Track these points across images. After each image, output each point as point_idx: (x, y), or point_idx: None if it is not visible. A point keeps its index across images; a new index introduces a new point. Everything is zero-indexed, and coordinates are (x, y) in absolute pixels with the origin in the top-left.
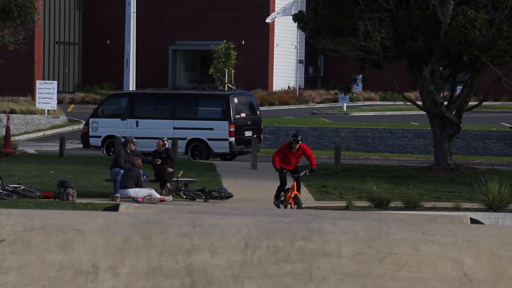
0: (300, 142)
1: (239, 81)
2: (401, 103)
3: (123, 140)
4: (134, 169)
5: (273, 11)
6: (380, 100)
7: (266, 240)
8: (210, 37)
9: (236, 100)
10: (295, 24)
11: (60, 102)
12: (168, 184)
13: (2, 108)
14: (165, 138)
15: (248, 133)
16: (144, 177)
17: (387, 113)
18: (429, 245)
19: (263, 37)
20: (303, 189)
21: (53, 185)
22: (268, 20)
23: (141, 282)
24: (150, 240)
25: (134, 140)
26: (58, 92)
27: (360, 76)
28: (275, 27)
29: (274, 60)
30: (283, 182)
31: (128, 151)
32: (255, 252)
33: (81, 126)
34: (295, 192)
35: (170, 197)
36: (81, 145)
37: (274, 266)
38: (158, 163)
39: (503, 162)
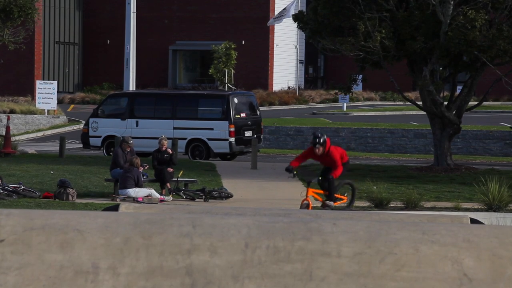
0: (321, 145)
1: (239, 81)
2: (401, 103)
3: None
4: (133, 169)
5: (273, 11)
6: (380, 100)
7: (266, 240)
8: (210, 37)
9: (236, 100)
10: (295, 24)
11: (60, 102)
12: (168, 184)
13: (2, 108)
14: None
15: (248, 133)
16: (144, 177)
17: (387, 113)
18: (429, 245)
19: (263, 37)
20: (303, 189)
21: (53, 185)
22: (269, 23)
23: (141, 282)
24: (150, 240)
25: (130, 141)
26: (58, 92)
27: (360, 76)
28: (275, 27)
29: (274, 60)
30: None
31: (125, 151)
32: (255, 252)
33: (81, 126)
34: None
35: (170, 197)
36: (81, 145)
37: (274, 266)
38: (146, 167)
39: (503, 162)
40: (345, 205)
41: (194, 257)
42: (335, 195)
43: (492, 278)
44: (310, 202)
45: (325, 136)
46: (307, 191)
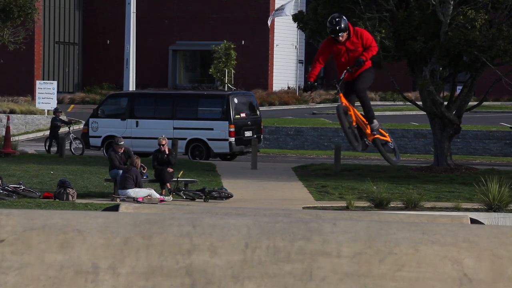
0: (344, 31)
1: (239, 81)
2: (401, 103)
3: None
4: (132, 169)
5: (273, 11)
6: (380, 100)
7: (266, 240)
8: (210, 37)
9: (236, 100)
10: (295, 24)
11: (60, 102)
12: (168, 184)
13: (2, 108)
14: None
15: (248, 133)
16: (145, 177)
17: (387, 113)
18: (429, 245)
19: (263, 37)
20: (303, 189)
21: (53, 185)
22: (269, 21)
23: (141, 282)
24: (150, 240)
25: (121, 142)
26: (58, 92)
27: None
28: (275, 27)
29: (274, 60)
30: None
31: (119, 153)
32: (255, 252)
33: (81, 126)
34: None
35: (170, 197)
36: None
37: (274, 266)
38: (145, 171)
39: (503, 162)
40: (391, 146)
41: (194, 257)
42: (380, 130)
43: (492, 278)
44: (350, 106)
45: (344, 17)
46: (340, 97)
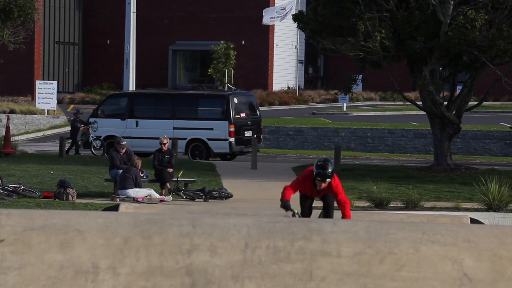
0: (330, 178)
1: (239, 81)
2: (401, 103)
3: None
4: (132, 169)
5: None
6: (380, 100)
7: (266, 240)
8: (210, 37)
9: (236, 100)
10: (295, 24)
11: (60, 102)
12: (168, 184)
13: (2, 108)
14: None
15: (248, 133)
16: (144, 177)
17: (387, 113)
18: (429, 245)
19: (263, 37)
20: None
21: (53, 185)
22: (264, 22)
23: (141, 282)
24: (150, 240)
25: (123, 143)
26: (58, 92)
27: (360, 76)
28: (275, 27)
29: (274, 60)
30: None
31: (120, 153)
32: (255, 252)
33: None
34: None
35: (170, 197)
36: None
37: (274, 266)
38: (142, 174)
39: (503, 162)
40: None
41: (194, 257)
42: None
43: (492, 278)
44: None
45: (332, 165)
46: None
